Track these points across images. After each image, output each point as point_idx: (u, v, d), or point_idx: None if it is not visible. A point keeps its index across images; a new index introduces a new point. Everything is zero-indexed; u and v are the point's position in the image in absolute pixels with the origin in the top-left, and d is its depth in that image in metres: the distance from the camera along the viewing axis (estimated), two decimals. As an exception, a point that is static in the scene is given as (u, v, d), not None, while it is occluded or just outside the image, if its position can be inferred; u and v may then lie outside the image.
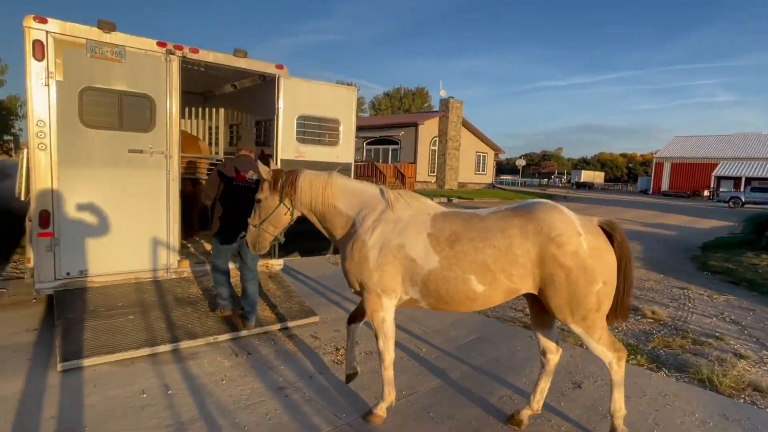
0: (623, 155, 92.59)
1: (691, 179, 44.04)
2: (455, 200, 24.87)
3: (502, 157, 45.65)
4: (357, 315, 3.54)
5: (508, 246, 2.88)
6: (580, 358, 4.44)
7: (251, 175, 4.45)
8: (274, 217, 3.38)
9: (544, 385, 3.26)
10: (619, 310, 3.02)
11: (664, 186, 45.95)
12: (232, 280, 4.81)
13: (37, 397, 3.23)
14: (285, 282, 5.57)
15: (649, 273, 8.66)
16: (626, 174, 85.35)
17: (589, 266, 2.81)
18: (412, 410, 3.33)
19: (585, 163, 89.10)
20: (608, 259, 2.88)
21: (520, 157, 55.08)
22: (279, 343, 4.38)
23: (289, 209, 3.38)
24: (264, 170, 3.42)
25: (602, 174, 73.57)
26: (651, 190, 47.17)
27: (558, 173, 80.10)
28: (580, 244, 2.82)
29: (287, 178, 3.37)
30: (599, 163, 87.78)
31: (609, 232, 2.99)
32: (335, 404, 3.34)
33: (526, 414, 3.23)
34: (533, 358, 4.35)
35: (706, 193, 41.40)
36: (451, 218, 3.09)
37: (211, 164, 6.79)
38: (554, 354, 3.27)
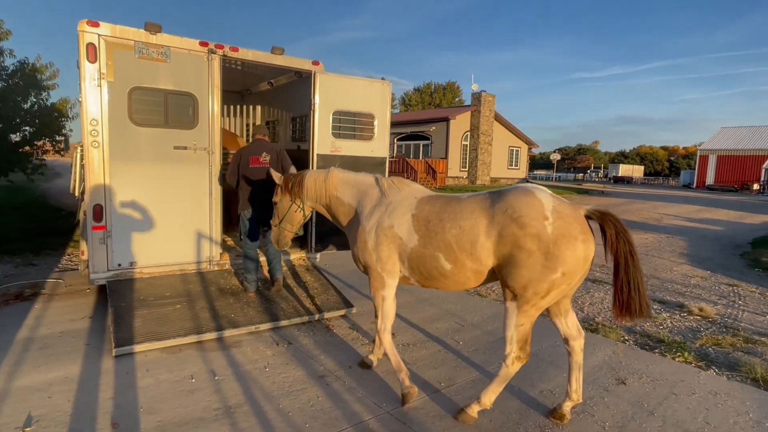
0: (664, 148, 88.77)
1: (739, 172, 41.72)
2: (487, 195, 24.53)
3: (536, 151, 44.68)
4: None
5: (472, 226, 2.96)
6: (623, 354, 4.32)
7: (264, 156, 4.97)
8: (289, 215, 3.80)
9: (578, 374, 3.15)
10: (632, 308, 2.87)
11: (710, 180, 43.75)
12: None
13: (95, 379, 3.43)
14: (321, 274, 5.66)
15: (694, 269, 8.30)
16: (667, 167, 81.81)
17: (551, 252, 2.73)
18: (452, 401, 3.33)
19: (623, 157, 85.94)
20: (578, 250, 2.75)
21: (555, 151, 53.67)
22: (318, 333, 4.47)
23: (299, 207, 3.77)
24: (276, 177, 3.87)
25: (641, 168, 70.73)
26: (695, 184, 45.03)
27: (594, 167, 77.68)
28: (543, 227, 2.76)
29: (295, 180, 3.76)
30: (638, 156, 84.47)
31: (601, 224, 2.86)
32: (375, 394, 3.38)
33: (567, 406, 3.15)
34: (574, 353, 4.26)
35: (755, 186, 39.14)
36: (434, 200, 3.28)
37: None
38: (577, 339, 3.16)
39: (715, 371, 4.04)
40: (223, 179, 5.16)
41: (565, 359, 4.10)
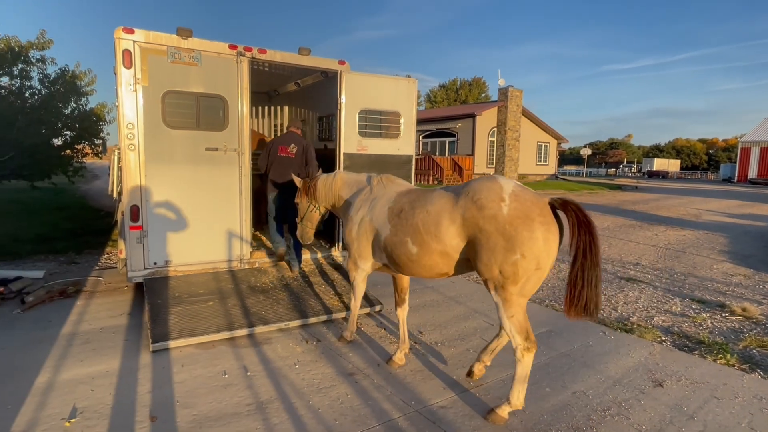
0: (702, 140, 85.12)
1: (785, 165, 39.60)
2: (515, 192, 24.12)
3: (565, 146, 43.65)
4: (398, 300, 3.98)
5: (438, 210, 3.15)
6: (660, 355, 4.17)
7: (292, 147, 5.55)
8: (307, 215, 4.36)
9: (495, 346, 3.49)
10: (579, 304, 2.84)
11: (752, 173, 41.67)
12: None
13: (134, 373, 3.56)
14: (349, 273, 5.70)
15: (737, 267, 7.94)
16: (706, 161, 78.40)
17: (507, 233, 2.82)
18: (481, 401, 3.30)
19: (658, 151, 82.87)
20: (535, 232, 2.80)
21: (585, 146, 52.31)
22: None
23: (315, 207, 4.30)
24: (297, 181, 4.44)
25: (678, 162, 68.04)
26: (736, 178, 43.00)
27: (627, 162, 75.22)
28: (500, 208, 2.87)
29: (311, 185, 4.30)
30: (674, 150, 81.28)
31: (564, 212, 2.90)
32: (404, 392, 3.39)
33: (477, 367, 3.50)
34: (607, 354, 4.15)
35: (803, 179, 37.06)
36: (411, 193, 3.56)
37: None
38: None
39: (760, 374, 3.86)
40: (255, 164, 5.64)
41: (598, 360, 4.02)
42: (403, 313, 3.91)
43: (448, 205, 3.11)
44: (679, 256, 8.80)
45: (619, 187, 32.12)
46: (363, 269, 3.87)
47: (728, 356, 4.14)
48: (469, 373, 3.56)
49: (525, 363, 2.97)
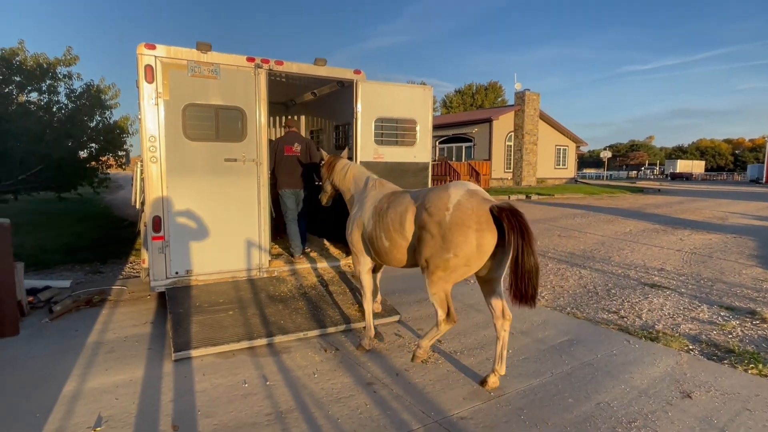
0: (727, 141, 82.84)
1: (817, 164, 38.19)
2: (534, 197, 23.86)
3: (585, 149, 42.99)
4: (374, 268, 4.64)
5: (403, 211, 3.74)
6: (688, 364, 4.05)
7: (296, 146, 6.06)
8: (324, 185, 5.05)
9: (502, 351, 3.59)
10: (516, 292, 3.21)
11: (782, 174, 40.33)
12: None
13: (156, 382, 3.62)
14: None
15: (766, 272, 7.66)
16: (732, 162, 76.22)
17: (447, 237, 3.33)
18: (502, 412, 3.25)
19: (681, 152, 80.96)
20: (469, 237, 3.27)
21: (605, 149, 51.42)
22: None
23: (329, 181, 4.92)
24: (325, 155, 5.09)
25: (702, 163, 66.33)
26: (764, 179, 41.66)
27: (649, 164, 73.64)
28: (444, 217, 3.36)
29: (334, 162, 4.88)
30: (698, 151, 79.30)
31: (500, 219, 3.24)
32: (423, 402, 3.36)
33: (492, 378, 3.58)
34: (632, 363, 4.05)
35: (836, 179, 35.67)
36: (393, 195, 4.05)
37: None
38: (499, 319, 3.60)
39: (794, 385, 3.70)
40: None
41: (622, 369, 3.92)
42: (377, 275, 4.84)
43: (411, 208, 3.68)
44: (706, 261, 8.55)
45: (641, 190, 31.43)
46: (364, 263, 4.32)
47: (760, 366, 3.99)
48: (483, 383, 3.62)
49: (440, 329, 3.61)
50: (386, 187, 4.31)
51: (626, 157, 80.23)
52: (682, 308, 5.74)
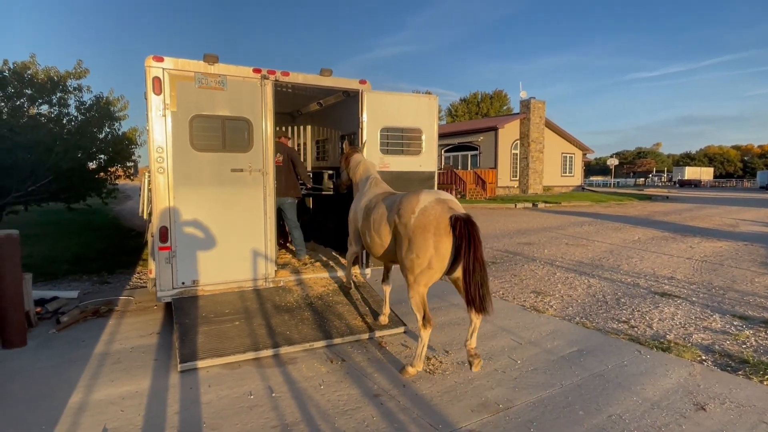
0: (736, 147, 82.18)
1: (828, 170, 37.69)
2: (541, 205, 23.73)
3: (591, 156, 42.80)
4: (385, 276, 5.06)
5: (381, 214, 4.20)
6: (701, 376, 3.96)
7: (278, 156, 6.13)
8: (343, 173, 5.54)
9: (472, 337, 3.86)
10: (467, 300, 3.56)
11: (792, 180, 39.84)
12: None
13: (162, 393, 3.60)
14: (373, 291, 5.67)
15: (780, 280, 7.53)
16: (741, 168, 75.52)
17: (411, 238, 3.70)
18: (512, 425, 3.19)
19: (689, 159, 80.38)
20: (428, 240, 3.60)
21: (612, 156, 51.21)
22: (370, 351, 4.47)
23: (346, 171, 5.41)
24: (346, 147, 5.64)
25: (710, 170, 65.78)
26: (774, 185, 41.18)
27: (657, 171, 73.12)
28: (410, 219, 3.73)
29: (350, 154, 5.37)
30: (706, 157, 78.72)
31: (453, 227, 3.56)
32: (431, 414, 3.31)
33: (475, 361, 3.77)
34: (644, 374, 3.97)
35: None
36: (380, 196, 4.52)
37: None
38: (471, 313, 3.74)
39: (812, 397, 3.61)
40: None
41: (634, 381, 3.85)
42: (387, 288, 5.04)
43: (386, 212, 4.14)
44: (717, 269, 8.42)
45: (649, 198, 31.18)
46: (354, 248, 4.97)
47: (776, 377, 3.90)
48: (403, 369, 3.95)
49: (423, 337, 3.82)
50: (380, 187, 4.80)
51: (633, 165, 79.77)
52: (693, 317, 5.65)
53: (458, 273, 3.68)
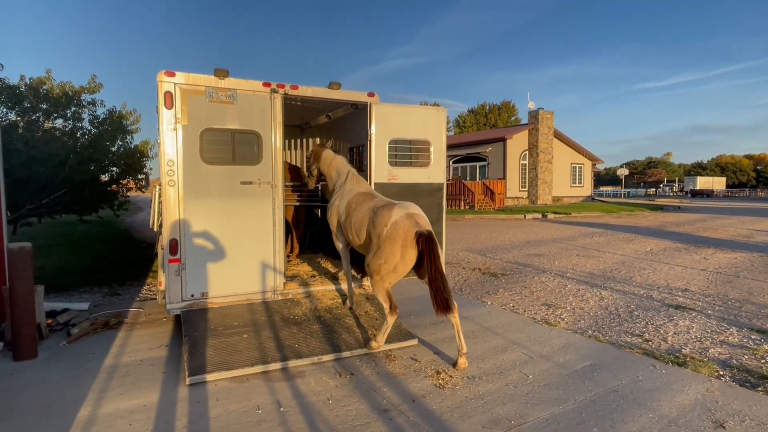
0: (748, 156, 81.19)
1: (844, 180, 37.03)
2: (550, 215, 23.56)
3: (601, 167, 42.53)
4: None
5: (362, 218, 4.75)
6: (719, 392, 3.86)
7: None
8: (312, 168, 5.92)
9: (458, 335, 4.35)
10: (433, 302, 4.09)
11: (807, 189, 39.17)
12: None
13: (171, 407, 3.58)
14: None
15: (798, 293, 7.35)
16: (754, 178, 74.49)
17: (381, 245, 4.30)
18: (524, 442, 3.12)
19: (700, 169, 79.55)
20: (395, 249, 4.21)
21: (622, 166, 50.83)
22: (380, 364, 4.42)
23: (315, 167, 5.85)
24: (313, 145, 6.25)
25: (723, 179, 64.97)
26: (789, 195, 40.49)
27: (668, 181, 72.42)
28: (383, 231, 4.31)
29: (319, 150, 5.81)
30: (718, 167, 77.83)
31: (417, 241, 4.15)
32: (441, 431, 3.25)
33: (461, 360, 4.31)
34: (660, 390, 3.87)
35: None
36: (362, 195, 5.03)
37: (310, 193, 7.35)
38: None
39: (836, 415, 3.48)
40: None
41: (650, 397, 3.75)
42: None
43: (366, 218, 4.65)
44: (732, 281, 8.26)
45: (661, 208, 30.83)
46: (338, 242, 5.42)
47: (797, 394, 3.78)
48: (455, 365, 4.33)
49: (389, 320, 4.42)
50: (361, 186, 5.24)
51: (644, 175, 79.08)
52: (709, 331, 5.52)
53: (423, 276, 4.29)
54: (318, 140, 8.89)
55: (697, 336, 5.34)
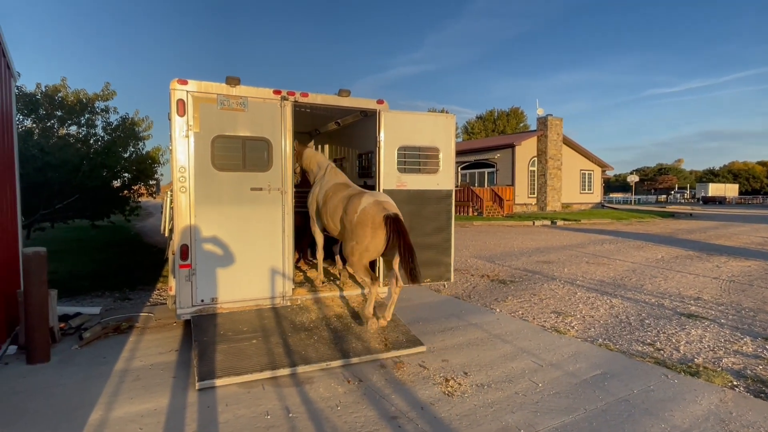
0: (762, 163, 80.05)
1: None
2: (560, 222, 23.40)
3: (611, 173, 42.20)
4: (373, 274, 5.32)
5: (336, 206, 5.28)
6: (733, 402, 3.79)
7: None
8: (295, 165, 6.10)
9: (391, 305, 4.99)
10: (405, 272, 4.64)
11: (823, 196, 38.50)
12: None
13: (180, 412, 3.61)
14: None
15: (814, 302, 7.21)
16: (767, 185, 73.42)
17: (353, 229, 4.82)
18: (534, 451, 3.09)
19: (712, 175, 78.61)
20: (366, 232, 4.72)
21: (632, 173, 50.36)
22: (388, 371, 4.41)
23: (298, 164, 6.27)
24: (296, 145, 6.02)
25: (735, 186, 64.10)
26: (804, 203, 39.82)
27: (679, 188, 71.65)
28: (354, 216, 4.83)
29: (299, 150, 6.26)
30: (730, 173, 76.86)
31: (385, 224, 4.67)
32: (449, 438, 3.23)
33: (376, 323, 4.97)
34: (672, 400, 3.82)
35: None
36: (338, 186, 5.55)
37: None
38: (394, 287, 4.93)
39: None
40: None
41: (662, 407, 3.71)
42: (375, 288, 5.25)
43: (341, 206, 5.18)
44: (746, 290, 8.13)
45: (672, 215, 30.48)
46: (317, 226, 5.99)
47: (814, 406, 3.71)
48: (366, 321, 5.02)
49: (372, 291, 5.01)
50: (338, 177, 5.76)
51: (654, 181, 78.29)
52: (723, 340, 5.44)
53: (390, 256, 4.89)
54: (327, 147, 8.95)
55: (710, 345, 5.26)
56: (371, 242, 4.73)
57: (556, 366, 4.57)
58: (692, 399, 3.85)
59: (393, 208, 4.78)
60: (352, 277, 6.47)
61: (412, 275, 4.59)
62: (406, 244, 4.60)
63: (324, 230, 5.94)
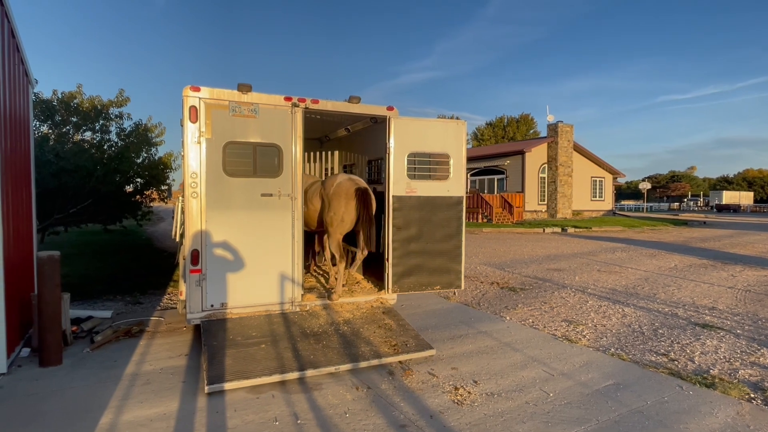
0: (777, 171, 78.66)
1: None
2: (570, 230, 23.18)
3: (622, 180, 41.79)
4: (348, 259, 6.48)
5: (315, 190, 6.01)
6: (751, 415, 3.70)
7: None
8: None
9: (354, 269, 6.32)
10: (365, 240, 5.87)
11: (841, 205, 37.70)
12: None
13: (190, 417, 3.61)
14: (399, 316, 5.61)
15: (834, 313, 7.03)
16: (784, 192, 72.17)
17: (330, 201, 5.66)
18: (545, 462, 3.04)
19: (726, 183, 77.50)
20: (340, 203, 5.62)
21: (644, 180, 49.80)
22: (397, 378, 4.38)
23: None
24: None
25: (750, 194, 63.09)
26: (822, 211, 39.02)
27: (692, 195, 70.70)
28: (331, 189, 5.68)
29: None
30: (745, 181, 75.73)
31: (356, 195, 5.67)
32: (459, 448, 3.19)
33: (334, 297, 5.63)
34: (687, 412, 3.74)
35: None
36: (313, 178, 6.44)
37: None
38: (359, 252, 6.06)
39: None
40: None
41: (677, 419, 3.63)
42: (341, 265, 5.87)
43: (318, 187, 5.98)
44: (763, 300, 7.96)
45: (685, 223, 30.06)
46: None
47: (835, 420, 3.61)
48: (330, 297, 5.64)
49: (339, 268, 5.74)
50: (312, 177, 6.53)
51: (667, 189, 77.33)
52: (739, 351, 5.33)
53: (358, 227, 5.78)
54: (337, 153, 8.99)
55: (726, 356, 5.16)
56: (346, 212, 5.57)
57: (567, 375, 4.50)
58: (708, 411, 3.77)
59: (363, 184, 5.75)
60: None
61: (369, 244, 5.70)
62: (368, 214, 5.60)
63: (306, 226, 6.05)
